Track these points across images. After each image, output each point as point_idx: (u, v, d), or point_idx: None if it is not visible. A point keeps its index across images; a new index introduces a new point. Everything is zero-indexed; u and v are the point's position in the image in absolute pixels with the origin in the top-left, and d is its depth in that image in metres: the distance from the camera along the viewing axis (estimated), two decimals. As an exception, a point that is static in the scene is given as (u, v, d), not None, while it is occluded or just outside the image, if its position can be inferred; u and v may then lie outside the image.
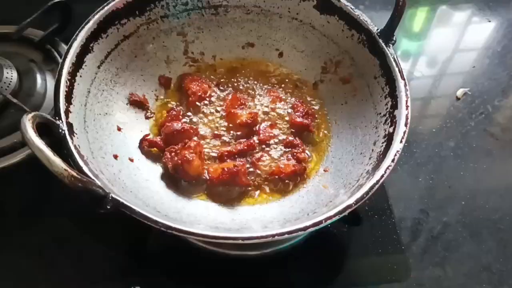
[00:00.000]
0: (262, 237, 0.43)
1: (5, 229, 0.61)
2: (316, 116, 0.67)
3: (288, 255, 0.60)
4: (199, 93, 0.67)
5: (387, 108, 0.57)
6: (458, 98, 0.81)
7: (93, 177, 0.45)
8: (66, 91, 0.52)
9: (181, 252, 0.60)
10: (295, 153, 0.62)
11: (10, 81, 0.66)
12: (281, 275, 0.60)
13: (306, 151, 0.63)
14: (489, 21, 0.96)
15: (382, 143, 0.54)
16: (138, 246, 0.61)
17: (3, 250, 0.60)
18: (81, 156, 0.48)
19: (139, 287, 0.58)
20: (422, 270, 0.60)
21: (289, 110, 0.67)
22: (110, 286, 0.59)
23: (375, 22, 0.62)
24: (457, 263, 0.61)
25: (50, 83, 0.70)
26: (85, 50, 0.57)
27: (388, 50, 0.58)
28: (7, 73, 0.66)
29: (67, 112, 0.51)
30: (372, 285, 0.60)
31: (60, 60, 0.54)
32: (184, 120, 0.65)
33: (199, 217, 0.54)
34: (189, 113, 0.66)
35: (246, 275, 0.59)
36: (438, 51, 0.90)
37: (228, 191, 0.59)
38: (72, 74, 0.54)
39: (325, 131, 0.66)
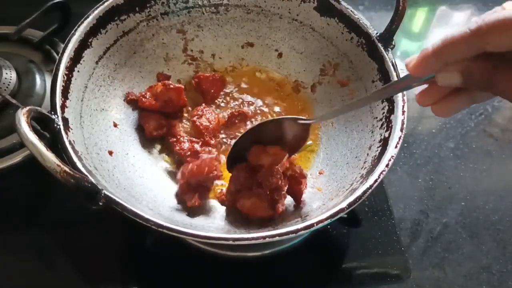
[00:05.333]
0: (253, 238, 0.43)
1: (4, 230, 0.61)
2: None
3: (288, 256, 0.60)
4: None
5: (383, 113, 0.57)
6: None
7: (86, 173, 0.45)
8: (63, 85, 0.52)
9: (181, 252, 0.60)
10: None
11: (9, 82, 0.66)
12: (281, 276, 0.60)
13: None
14: (489, 21, 0.95)
15: (378, 147, 0.54)
16: (137, 246, 0.61)
17: (2, 251, 0.60)
18: (76, 152, 0.48)
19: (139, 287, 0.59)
20: (422, 271, 0.61)
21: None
22: (109, 286, 0.59)
23: (374, 22, 0.62)
24: (457, 264, 0.62)
25: (49, 83, 0.69)
26: (83, 45, 0.57)
27: (387, 55, 0.58)
28: (6, 73, 0.66)
29: (63, 106, 0.51)
30: (371, 286, 0.60)
31: (60, 59, 0.54)
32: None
33: (192, 215, 0.54)
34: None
35: (246, 276, 0.60)
36: (438, 51, 0.90)
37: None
38: (70, 69, 0.54)
39: (320, 133, 0.66)
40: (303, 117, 0.55)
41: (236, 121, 0.67)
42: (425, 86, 0.39)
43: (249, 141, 0.56)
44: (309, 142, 0.65)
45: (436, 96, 0.38)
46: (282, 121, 0.55)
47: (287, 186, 0.55)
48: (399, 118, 0.53)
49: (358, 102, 0.50)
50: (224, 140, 0.65)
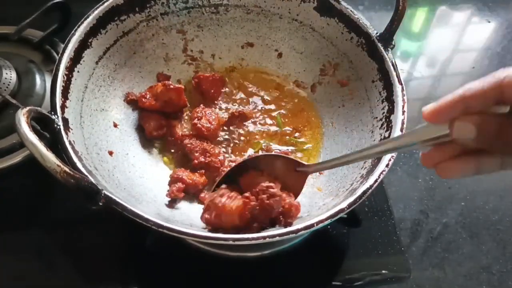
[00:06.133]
0: (253, 238, 0.43)
1: (4, 230, 0.61)
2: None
3: (288, 256, 0.60)
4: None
5: (383, 113, 0.57)
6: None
7: (86, 173, 0.45)
8: (63, 86, 0.52)
9: (181, 252, 0.60)
10: None
11: (9, 82, 0.66)
12: (281, 276, 0.60)
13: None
14: (489, 22, 0.96)
15: (378, 147, 0.54)
16: (137, 246, 0.61)
17: (2, 251, 0.60)
18: (76, 152, 0.48)
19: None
20: (422, 271, 0.61)
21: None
22: (109, 286, 0.59)
23: (374, 22, 0.62)
24: (457, 264, 0.62)
25: (49, 83, 0.69)
26: (83, 45, 0.57)
27: (387, 55, 0.58)
28: (6, 73, 0.66)
29: (63, 107, 0.51)
30: (371, 286, 0.60)
31: (60, 59, 0.54)
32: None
33: (192, 216, 0.54)
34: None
35: (246, 276, 0.60)
36: (438, 51, 0.91)
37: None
38: (70, 69, 0.54)
39: (320, 133, 0.66)
40: (303, 163, 0.53)
41: (237, 121, 0.67)
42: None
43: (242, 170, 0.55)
44: (308, 146, 0.65)
45: (442, 156, 0.36)
46: (280, 159, 0.54)
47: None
48: (399, 118, 0.53)
49: (356, 157, 0.46)
50: (225, 140, 0.65)
